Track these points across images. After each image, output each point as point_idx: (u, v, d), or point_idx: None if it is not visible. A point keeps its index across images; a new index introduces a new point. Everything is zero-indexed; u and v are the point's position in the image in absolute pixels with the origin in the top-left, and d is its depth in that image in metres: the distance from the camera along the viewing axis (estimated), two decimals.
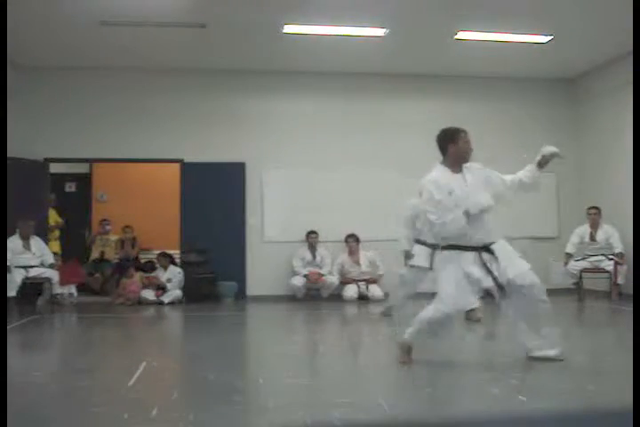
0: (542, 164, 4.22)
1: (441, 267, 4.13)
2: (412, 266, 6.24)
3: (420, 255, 6.20)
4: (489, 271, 3.99)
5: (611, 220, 8.23)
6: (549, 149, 4.20)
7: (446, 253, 4.08)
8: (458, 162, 4.15)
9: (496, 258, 4.01)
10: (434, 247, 6.13)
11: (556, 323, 4.34)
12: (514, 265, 4.05)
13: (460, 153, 4.15)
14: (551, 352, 4.10)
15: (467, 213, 3.95)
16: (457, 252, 4.02)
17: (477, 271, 3.98)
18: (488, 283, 4.00)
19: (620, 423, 2.62)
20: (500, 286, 4.00)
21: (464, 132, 4.21)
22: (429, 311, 4.10)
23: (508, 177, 4.29)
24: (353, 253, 8.81)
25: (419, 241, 6.31)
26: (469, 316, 6.30)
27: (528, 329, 4.16)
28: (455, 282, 3.99)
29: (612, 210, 8.27)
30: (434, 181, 4.06)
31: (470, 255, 4.00)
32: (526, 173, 4.25)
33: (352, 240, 8.76)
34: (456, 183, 4.05)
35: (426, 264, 6.07)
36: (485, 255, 4.01)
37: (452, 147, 4.15)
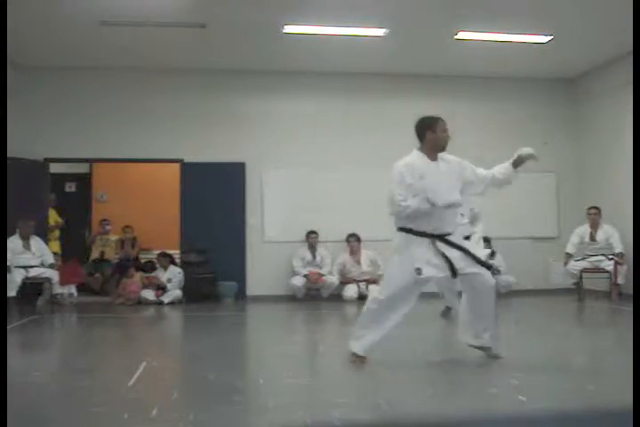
0: (517, 163, 4.26)
1: (396, 253, 4.13)
2: None
3: None
4: (444, 259, 4.00)
5: (611, 220, 8.24)
6: (526, 150, 4.27)
7: (401, 235, 4.11)
8: (434, 150, 4.21)
9: (450, 247, 4.04)
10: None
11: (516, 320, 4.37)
12: (467, 256, 4.07)
13: (438, 141, 4.21)
14: (487, 343, 4.19)
15: (432, 204, 4.00)
16: (410, 236, 4.05)
17: (428, 263, 3.99)
18: (431, 272, 4.01)
19: (620, 423, 2.62)
20: (454, 273, 4.03)
21: (442, 120, 4.26)
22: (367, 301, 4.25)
23: (482, 171, 4.34)
24: (354, 252, 8.81)
25: None
26: (445, 314, 6.42)
27: (472, 318, 4.19)
28: (400, 269, 4.03)
29: (612, 210, 8.28)
30: (408, 164, 4.13)
31: (424, 241, 4.02)
32: (501, 169, 4.30)
33: (353, 240, 8.76)
34: (429, 170, 4.11)
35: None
36: (440, 243, 4.03)
37: (430, 134, 4.22)
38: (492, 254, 8.93)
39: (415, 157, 4.22)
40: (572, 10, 6.80)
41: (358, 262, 8.78)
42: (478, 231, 6.50)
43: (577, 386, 3.52)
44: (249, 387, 3.68)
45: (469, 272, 4.04)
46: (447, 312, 6.45)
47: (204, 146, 8.85)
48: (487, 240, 8.92)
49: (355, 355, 4.17)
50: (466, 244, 4.25)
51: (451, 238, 4.08)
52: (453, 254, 4.03)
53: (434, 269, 4.02)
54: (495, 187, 4.37)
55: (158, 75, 8.84)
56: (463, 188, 4.24)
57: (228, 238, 8.70)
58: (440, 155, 4.23)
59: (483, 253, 4.24)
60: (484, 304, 4.14)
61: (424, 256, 4.00)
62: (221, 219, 8.67)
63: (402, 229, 4.11)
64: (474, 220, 6.41)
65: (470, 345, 4.27)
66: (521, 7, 6.76)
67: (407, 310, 4.15)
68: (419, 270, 3.97)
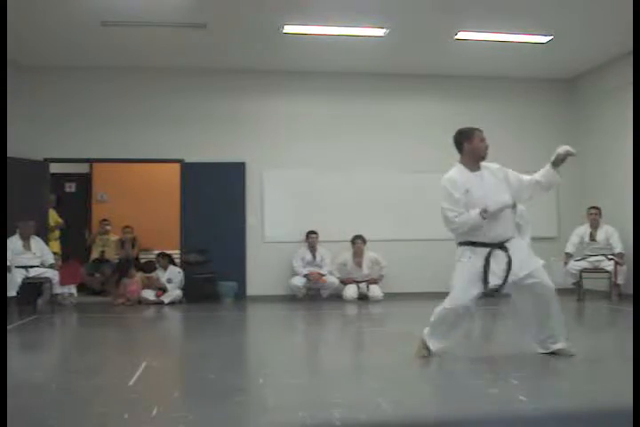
0: (557, 163, 4.23)
1: (457, 264, 4.23)
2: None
3: None
4: (501, 268, 4.08)
5: (611, 220, 8.24)
6: (564, 147, 4.26)
7: (462, 248, 4.19)
8: (474, 160, 4.26)
9: (509, 255, 4.11)
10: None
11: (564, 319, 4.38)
12: (527, 262, 4.15)
13: (476, 151, 4.25)
14: (559, 345, 4.22)
15: (484, 211, 4.05)
16: (471, 248, 4.14)
17: (488, 268, 4.08)
18: (496, 281, 4.09)
19: (620, 423, 2.62)
20: (504, 283, 4.10)
21: (479, 130, 4.30)
22: (437, 309, 4.26)
23: (526, 177, 4.36)
24: (358, 254, 8.78)
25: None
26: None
27: (539, 326, 4.24)
28: (467, 279, 4.12)
29: (612, 210, 8.28)
30: (451, 179, 4.19)
31: (484, 251, 4.09)
32: (542, 172, 4.30)
33: (360, 242, 8.73)
34: (473, 182, 4.16)
35: None
36: (498, 252, 4.10)
37: (468, 145, 4.25)
38: None
39: (457, 170, 4.27)
40: (572, 10, 6.80)
41: (359, 265, 8.74)
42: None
43: (577, 386, 3.52)
44: (249, 387, 3.68)
45: (530, 280, 4.10)
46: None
47: (204, 146, 8.85)
48: None
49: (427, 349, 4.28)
50: (523, 250, 4.28)
51: (510, 245, 4.15)
52: (513, 260, 4.10)
53: (497, 278, 4.08)
54: (542, 191, 4.38)
55: (159, 75, 8.85)
56: (511, 195, 4.28)
57: (228, 238, 8.70)
58: (482, 164, 4.28)
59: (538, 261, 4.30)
60: (551, 309, 4.17)
61: (487, 266, 4.08)
62: (221, 219, 8.67)
63: (463, 244, 4.19)
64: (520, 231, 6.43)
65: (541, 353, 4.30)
66: (521, 7, 6.76)
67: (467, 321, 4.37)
68: (486, 282, 4.07)
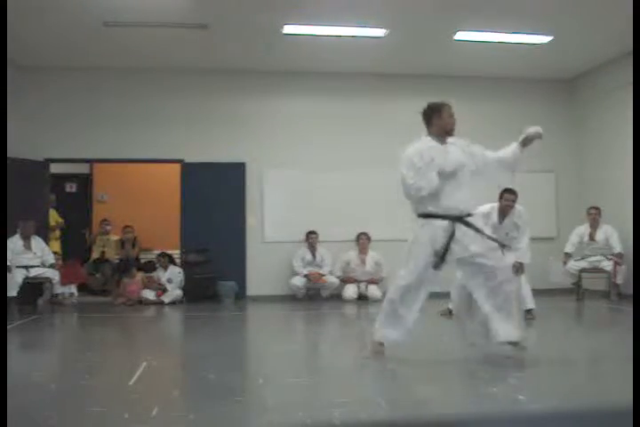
0: (526, 143, 4.35)
1: (415, 239, 4.17)
2: None
3: None
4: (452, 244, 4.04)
5: (610, 220, 8.24)
6: (534, 127, 4.29)
7: (422, 222, 4.15)
8: (442, 134, 4.28)
9: (467, 231, 4.05)
10: None
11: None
12: (481, 243, 4.09)
13: (445, 126, 4.27)
14: (514, 337, 4.11)
15: (441, 174, 4.02)
16: (431, 221, 4.09)
17: (450, 242, 4.03)
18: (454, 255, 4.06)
19: (620, 423, 2.63)
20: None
21: (448, 105, 4.31)
22: (389, 290, 4.29)
23: (490, 153, 4.41)
24: (363, 251, 8.82)
25: None
26: (443, 311, 6.45)
27: (493, 313, 4.12)
28: (423, 260, 4.08)
29: (611, 210, 8.28)
30: (417, 149, 4.21)
31: (443, 224, 4.05)
32: (507, 149, 4.36)
33: (364, 238, 8.78)
34: (439, 152, 4.16)
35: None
36: (459, 226, 4.05)
37: (437, 119, 4.28)
38: None
39: (424, 141, 4.28)
40: (572, 10, 6.80)
41: (363, 262, 8.79)
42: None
43: (577, 386, 3.52)
44: (249, 387, 3.69)
45: (484, 263, 4.05)
46: (448, 313, 6.45)
47: (204, 146, 8.85)
48: None
49: (376, 343, 4.26)
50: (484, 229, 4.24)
51: (470, 220, 4.11)
52: (470, 238, 4.05)
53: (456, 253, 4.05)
54: (506, 170, 4.43)
55: (159, 75, 8.85)
56: (474, 171, 4.30)
57: (228, 238, 8.70)
58: (449, 139, 4.29)
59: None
60: (505, 295, 4.09)
61: (441, 241, 4.03)
62: (221, 219, 8.67)
63: (421, 215, 4.16)
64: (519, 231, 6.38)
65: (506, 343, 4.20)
66: (521, 7, 6.76)
67: (422, 301, 4.18)
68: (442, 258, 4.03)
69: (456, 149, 4.25)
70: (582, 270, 8.16)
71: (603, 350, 4.92)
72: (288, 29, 7.40)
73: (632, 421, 2.39)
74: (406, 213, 7.86)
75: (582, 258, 8.23)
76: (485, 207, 6.30)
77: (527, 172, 9.43)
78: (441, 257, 4.04)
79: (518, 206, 6.44)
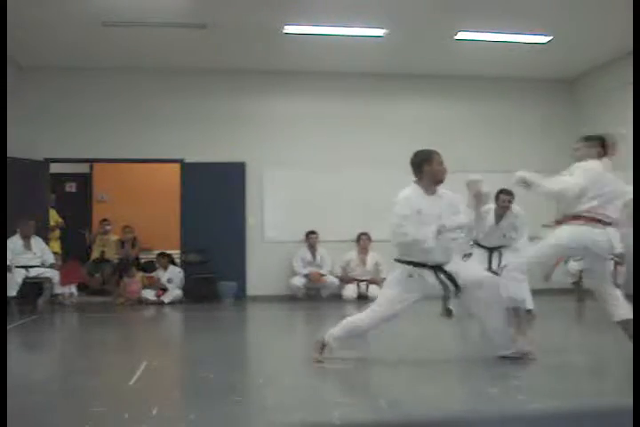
0: (476, 199, 4.29)
1: (394, 282, 4.18)
2: None
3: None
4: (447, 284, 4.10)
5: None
6: (470, 178, 4.28)
7: (401, 267, 4.14)
8: (432, 183, 4.23)
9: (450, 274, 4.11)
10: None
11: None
12: (467, 270, 4.18)
13: (435, 174, 4.20)
14: (507, 352, 4.13)
15: (440, 230, 4.03)
16: (412, 269, 4.09)
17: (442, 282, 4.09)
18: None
19: (620, 423, 2.63)
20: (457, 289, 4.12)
21: (437, 153, 4.27)
22: (355, 319, 4.36)
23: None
24: (363, 251, 8.82)
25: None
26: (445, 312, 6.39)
27: (491, 329, 4.20)
28: (392, 304, 4.12)
29: None
30: (406, 197, 4.18)
31: (429, 274, 4.08)
32: (460, 216, 4.27)
33: (365, 238, 8.79)
34: (427, 203, 4.14)
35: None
36: (440, 273, 4.09)
37: (428, 167, 4.22)
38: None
39: (412, 189, 4.25)
40: (572, 10, 6.81)
41: (364, 262, 8.79)
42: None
43: (577, 386, 3.52)
44: (249, 387, 3.68)
45: (473, 285, 4.10)
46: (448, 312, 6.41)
47: (204, 146, 8.85)
48: None
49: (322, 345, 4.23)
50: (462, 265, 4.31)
51: (450, 267, 4.13)
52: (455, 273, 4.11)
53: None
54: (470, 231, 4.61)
55: (159, 75, 8.85)
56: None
57: (228, 238, 8.70)
58: (440, 190, 4.26)
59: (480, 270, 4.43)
60: (495, 314, 4.16)
61: (425, 287, 4.08)
62: (221, 219, 8.66)
63: (400, 261, 4.15)
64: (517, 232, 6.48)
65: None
66: (521, 7, 6.77)
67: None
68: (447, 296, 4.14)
69: (445, 201, 4.23)
70: (582, 270, 8.15)
71: (603, 350, 4.92)
72: (288, 29, 7.40)
73: (632, 421, 2.39)
74: None
75: (582, 258, 8.21)
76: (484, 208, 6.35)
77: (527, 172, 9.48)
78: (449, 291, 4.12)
79: (515, 207, 6.43)
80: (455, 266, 4.16)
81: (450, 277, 4.09)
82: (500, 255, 6.43)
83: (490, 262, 6.43)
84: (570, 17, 7.02)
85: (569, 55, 8.46)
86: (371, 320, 4.21)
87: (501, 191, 6.39)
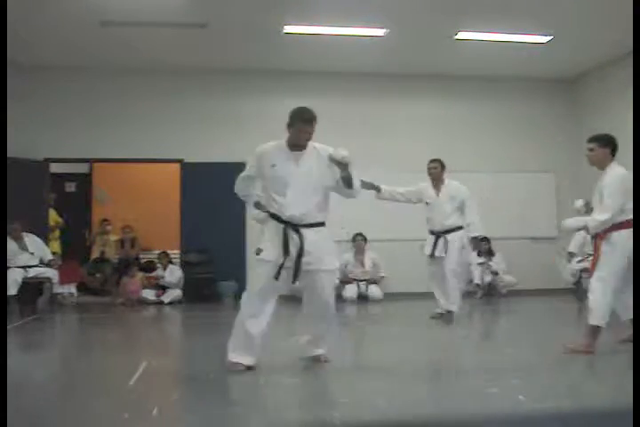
0: (340, 167, 4.15)
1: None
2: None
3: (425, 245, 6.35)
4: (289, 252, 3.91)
5: None
6: (337, 152, 4.14)
7: (270, 224, 4.01)
8: (292, 144, 4.20)
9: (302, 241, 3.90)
10: (436, 235, 6.22)
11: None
12: (315, 255, 3.96)
13: (294, 138, 4.21)
14: (318, 351, 4.15)
15: (285, 183, 3.96)
16: (275, 224, 3.96)
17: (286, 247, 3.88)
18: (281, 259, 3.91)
19: (620, 423, 2.62)
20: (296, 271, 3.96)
21: (305, 122, 4.19)
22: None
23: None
24: (359, 252, 8.81)
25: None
26: (434, 315, 6.29)
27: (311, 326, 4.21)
28: (264, 280, 4.01)
29: None
30: (262, 150, 4.26)
31: (279, 228, 3.92)
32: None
33: (360, 239, 8.77)
34: (285, 159, 4.07)
35: (428, 252, 6.28)
36: (294, 234, 3.92)
37: (291, 129, 4.25)
38: (491, 254, 8.96)
39: (276, 144, 4.27)
40: (572, 10, 6.81)
41: (361, 263, 8.78)
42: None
43: (577, 386, 3.52)
44: (249, 387, 3.68)
45: (313, 269, 3.98)
46: (440, 316, 6.30)
47: (204, 146, 8.84)
48: (487, 240, 8.95)
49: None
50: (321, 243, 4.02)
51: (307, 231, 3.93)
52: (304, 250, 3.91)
53: (275, 254, 3.90)
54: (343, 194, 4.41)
55: (158, 75, 8.85)
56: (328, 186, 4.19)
57: (228, 238, 8.69)
58: (315, 145, 4.18)
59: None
60: (322, 306, 4.13)
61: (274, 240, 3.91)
62: (221, 219, 8.66)
63: (270, 215, 4.06)
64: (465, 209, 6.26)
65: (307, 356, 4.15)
66: (521, 7, 6.77)
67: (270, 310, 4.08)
68: (259, 250, 3.94)
69: (309, 159, 4.10)
70: (583, 270, 8.15)
71: (603, 350, 4.92)
72: (288, 29, 7.40)
73: (632, 421, 2.39)
74: (405, 213, 7.88)
75: (583, 258, 8.21)
76: (420, 185, 6.37)
77: (527, 172, 9.49)
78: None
79: (453, 182, 6.32)
80: (315, 243, 3.92)
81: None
82: (446, 241, 6.18)
83: (434, 247, 6.22)
84: (570, 17, 7.02)
85: (569, 55, 8.46)
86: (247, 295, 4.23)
87: (430, 161, 6.39)
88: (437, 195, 6.27)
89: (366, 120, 9.16)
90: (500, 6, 6.74)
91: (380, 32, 7.56)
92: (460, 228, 6.20)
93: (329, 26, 7.38)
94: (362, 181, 5.44)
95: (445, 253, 6.15)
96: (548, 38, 7.74)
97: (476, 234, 6.26)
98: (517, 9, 6.81)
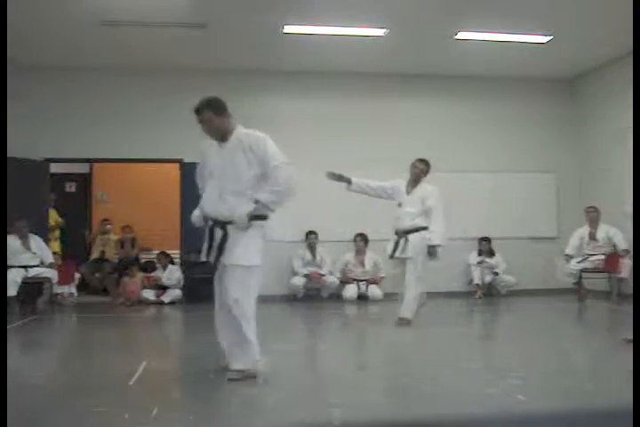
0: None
1: None
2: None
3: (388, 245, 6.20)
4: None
5: (611, 220, 8.23)
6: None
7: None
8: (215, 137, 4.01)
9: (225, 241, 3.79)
10: (399, 235, 6.06)
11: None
12: (230, 256, 3.85)
13: (209, 131, 4.07)
14: (238, 366, 3.71)
15: (210, 176, 3.84)
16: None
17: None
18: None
19: (620, 423, 2.63)
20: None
21: (196, 112, 4.10)
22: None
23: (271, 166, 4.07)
24: (360, 252, 8.81)
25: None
26: (400, 321, 5.98)
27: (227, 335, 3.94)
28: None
29: (611, 210, 8.27)
30: (202, 145, 4.12)
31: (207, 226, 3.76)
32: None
33: (360, 239, 8.76)
34: (213, 151, 4.02)
35: (388, 252, 6.14)
36: (218, 231, 3.87)
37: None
38: (492, 254, 8.96)
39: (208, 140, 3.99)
40: (572, 10, 6.80)
41: (361, 263, 8.77)
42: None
43: (577, 386, 3.52)
44: (249, 387, 3.68)
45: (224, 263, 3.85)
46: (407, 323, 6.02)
47: None
48: (487, 240, 8.95)
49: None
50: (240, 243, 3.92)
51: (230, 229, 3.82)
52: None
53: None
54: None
55: (159, 75, 8.84)
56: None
57: None
58: (243, 132, 4.07)
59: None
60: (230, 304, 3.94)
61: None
62: None
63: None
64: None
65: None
66: (521, 7, 6.76)
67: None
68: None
69: (233, 150, 3.96)
70: (583, 270, 8.16)
71: (603, 350, 4.92)
72: (288, 29, 7.40)
73: (632, 421, 2.39)
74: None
75: (584, 259, 8.22)
76: (395, 182, 6.25)
77: (527, 172, 9.50)
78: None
79: (428, 186, 6.14)
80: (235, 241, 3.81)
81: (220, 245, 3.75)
82: (407, 241, 5.99)
83: (394, 249, 6.04)
84: (570, 17, 7.02)
85: (569, 55, 8.46)
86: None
87: (417, 160, 6.25)
88: (408, 194, 6.14)
89: (365, 120, 9.15)
90: (500, 6, 6.74)
91: (380, 32, 7.56)
92: (424, 228, 5.98)
93: (329, 26, 7.38)
94: (331, 173, 5.40)
95: (407, 254, 5.96)
96: (548, 38, 7.74)
97: (437, 243, 5.96)
98: (517, 9, 6.81)
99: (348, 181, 6.20)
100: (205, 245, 3.87)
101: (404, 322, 5.92)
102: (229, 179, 3.92)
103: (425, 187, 6.16)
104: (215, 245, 3.81)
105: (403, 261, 6.08)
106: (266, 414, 3.05)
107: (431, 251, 5.98)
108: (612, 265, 7.89)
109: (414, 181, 6.19)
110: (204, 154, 3.99)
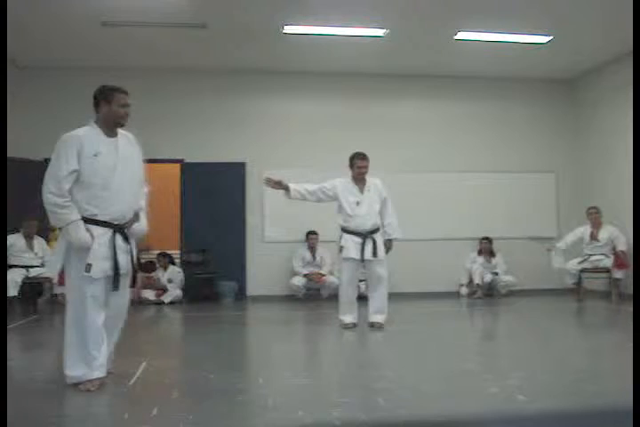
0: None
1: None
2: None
3: (350, 248, 5.86)
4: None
5: (610, 220, 8.24)
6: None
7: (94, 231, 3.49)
8: (110, 125, 3.73)
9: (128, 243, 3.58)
10: (363, 236, 5.82)
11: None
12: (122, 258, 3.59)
13: (112, 115, 3.73)
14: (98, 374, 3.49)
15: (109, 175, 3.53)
16: (94, 227, 3.49)
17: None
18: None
19: (620, 423, 2.63)
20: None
21: (125, 93, 3.76)
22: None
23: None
24: None
25: (346, 230, 5.97)
26: (373, 324, 5.92)
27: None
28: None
29: (611, 210, 8.28)
30: (75, 137, 3.68)
31: (103, 233, 3.50)
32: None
33: None
34: (106, 147, 3.61)
35: (357, 256, 5.83)
36: (119, 236, 3.56)
37: (106, 106, 3.75)
38: (492, 254, 8.96)
39: (88, 129, 3.72)
40: (572, 10, 6.81)
41: None
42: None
43: (577, 386, 3.52)
44: (249, 387, 3.68)
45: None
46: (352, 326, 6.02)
47: (204, 146, 8.85)
48: (488, 239, 8.95)
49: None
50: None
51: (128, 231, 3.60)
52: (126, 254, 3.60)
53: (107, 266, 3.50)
54: None
55: (159, 75, 8.85)
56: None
57: (228, 238, 8.70)
58: (121, 132, 3.76)
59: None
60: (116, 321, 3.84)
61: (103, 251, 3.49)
62: (221, 219, 8.67)
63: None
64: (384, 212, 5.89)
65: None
66: (521, 7, 6.76)
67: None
68: (89, 266, 3.43)
69: (126, 146, 3.70)
70: (583, 270, 8.16)
71: (603, 350, 4.92)
72: (288, 29, 7.40)
73: (632, 421, 2.39)
74: (406, 212, 7.87)
75: (584, 259, 8.21)
76: (334, 182, 6.01)
77: (527, 172, 9.50)
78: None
79: (375, 179, 5.99)
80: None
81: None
82: (374, 242, 5.78)
83: (362, 251, 5.78)
84: (570, 17, 7.02)
85: (569, 55, 8.46)
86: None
87: (357, 155, 6.04)
88: (362, 192, 5.95)
89: (366, 120, 9.16)
90: (499, 6, 6.74)
91: (380, 32, 7.56)
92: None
93: (329, 26, 7.38)
94: (268, 179, 5.25)
95: (375, 255, 5.75)
96: (548, 38, 7.74)
97: (395, 236, 5.85)
98: (517, 9, 6.81)
99: (286, 189, 5.89)
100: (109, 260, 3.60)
101: (383, 326, 5.82)
102: (133, 177, 3.75)
103: (373, 181, 6.01)
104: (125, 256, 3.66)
105: (359, 262, 5.84)
106: (266, 414, 3.05)
107: (389, 245, 5.85)
108: (622, 263, 7.89)
109: (360, 177, 5.96)
110: (91, 147, 3.71)
